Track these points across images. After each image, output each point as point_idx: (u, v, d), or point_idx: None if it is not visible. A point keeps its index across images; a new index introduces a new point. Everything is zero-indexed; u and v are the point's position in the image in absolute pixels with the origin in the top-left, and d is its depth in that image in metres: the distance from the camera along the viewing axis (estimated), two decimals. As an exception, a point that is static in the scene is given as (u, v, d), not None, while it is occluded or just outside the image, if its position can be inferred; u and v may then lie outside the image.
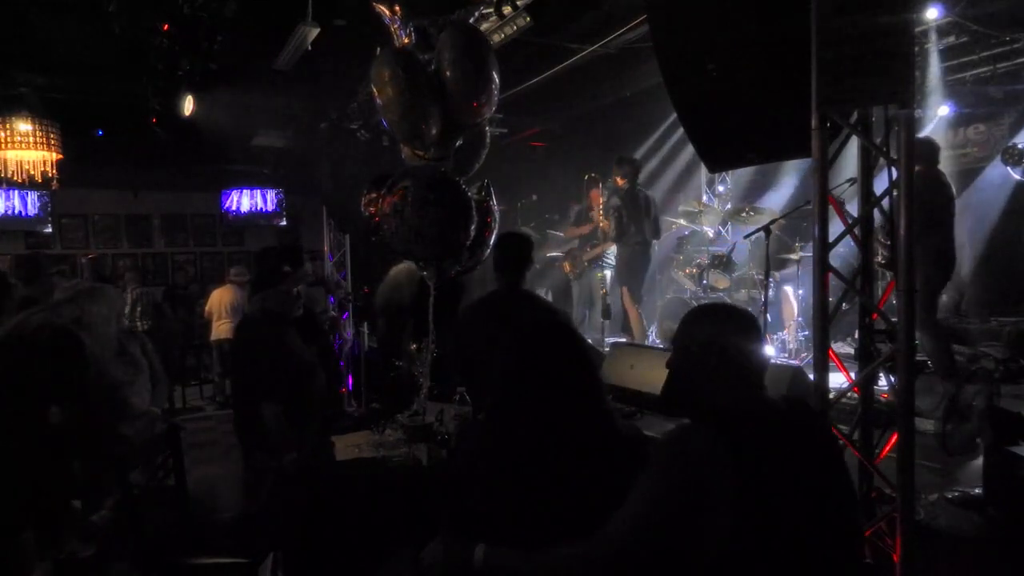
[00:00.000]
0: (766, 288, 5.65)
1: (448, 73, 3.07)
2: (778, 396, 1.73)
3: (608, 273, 7.43)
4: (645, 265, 7.09)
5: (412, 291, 5.34)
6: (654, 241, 7.16)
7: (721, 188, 8.75)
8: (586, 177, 7.50)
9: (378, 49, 3.31)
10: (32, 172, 6.75)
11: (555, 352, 1.85)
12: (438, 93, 3.09)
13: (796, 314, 6.90)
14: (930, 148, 5.04)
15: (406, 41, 3.30)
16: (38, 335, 2.88)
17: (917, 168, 4.83)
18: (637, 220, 6.84)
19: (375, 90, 3.18)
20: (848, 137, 2.96)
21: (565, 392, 1.79)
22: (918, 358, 4.43)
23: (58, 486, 2.97)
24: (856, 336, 3.38)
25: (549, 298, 8.36)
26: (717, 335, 1.68)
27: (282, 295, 3.80)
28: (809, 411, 1.81)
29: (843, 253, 4.40)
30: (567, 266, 8.13)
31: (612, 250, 7.27)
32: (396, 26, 3.28)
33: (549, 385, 1.79)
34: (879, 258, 4.24)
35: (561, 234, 8.94)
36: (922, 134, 6.75)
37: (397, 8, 3.25)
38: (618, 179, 6.90)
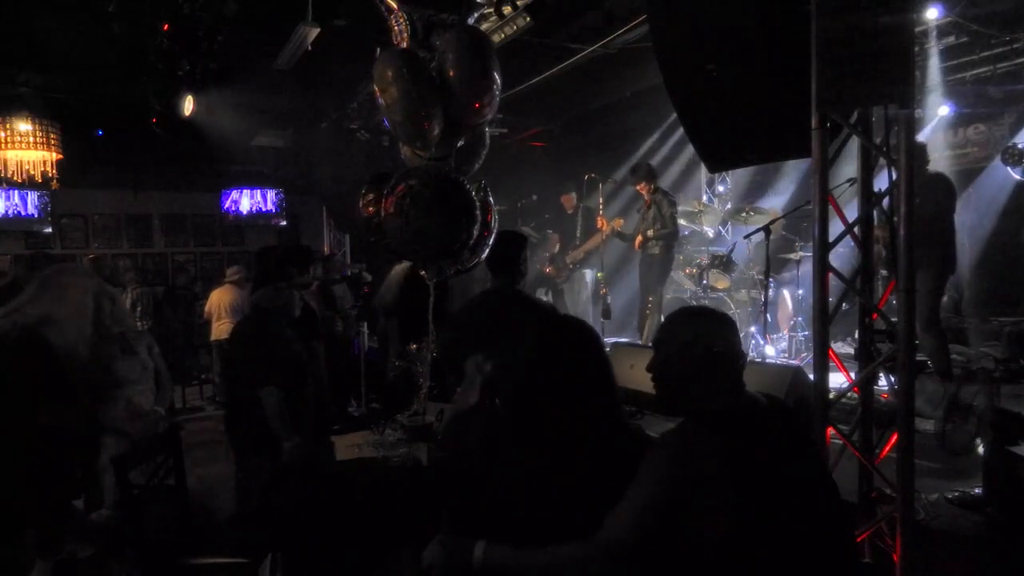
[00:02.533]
0: (766, 288, 5.66)
1: (451, 73, 3.07)
2: (760, 395, 1.74)
3: (590, 272, 7.45)
4: (672, 265, 7.06)
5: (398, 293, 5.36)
6: None
7: (721, 188, 8.75)
8: (586, 177, 7.50)
9: (378, 49, 3.30)
10: (32, 172, 6.75)
11: (580, 347, 1.84)
12: (441, 93, 3.09)
13: (791, 314, 6.92)
14: (920, 149, 5.05)
15: (406, 37, 3.29)
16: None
17: (923, 169, 4.90)
18: (673, 215, 6.83)
19: (377, 90, 3.17)
20: (848, 137, 2.96)
21: (584, 388, 1.79)
22: (918, 358, 4.44)
23: (56, 487, 2.97)
24: (856, 336, 3.38)
25: (548, 298, 8.38)
26: (700, 335, 1.71)
27: (273, 293, 3.76)
28: (787, 409, 1.83)
29: (843, 253, 4.41)
30: (552, 271, 8.18)
31: (597, 249, 7.28)
32: (395, 22, 3.27)
33: (571, 380, 1.78)
34: (880, 246, 4.23)
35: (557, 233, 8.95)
36: (922, 134, 6.78)
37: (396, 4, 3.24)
38: (642, 187, 6.86)
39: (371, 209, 3.36)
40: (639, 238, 6.88)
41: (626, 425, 1.89)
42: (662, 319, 6.73)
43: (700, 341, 1.69)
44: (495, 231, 3.53)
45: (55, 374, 2.92)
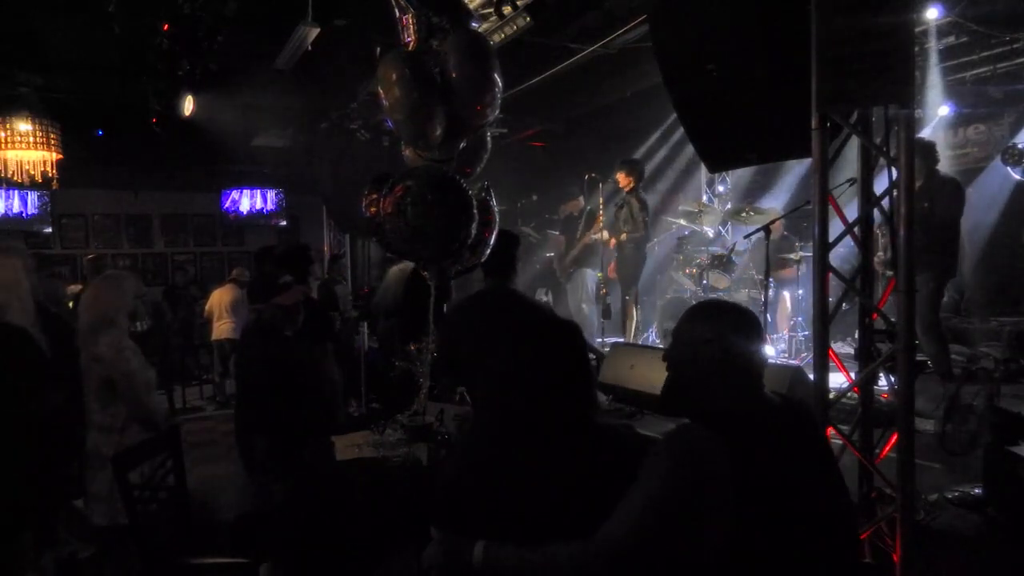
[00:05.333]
0: (766, 288, 5.66)
1: (453, 76, 3.08)
2: (774, 395, 1.73)
3: (591, 272, 7.55)
4: (644, 263, 7.15)
5: (398, 293, 5.33)
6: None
7: (721, 188, 8.75)
8: (586, 177, 7.52)
9: (378, 49, 3.31)
10: (32, 172, 6.75)
11: (564, 348, 1.83)
12: (443, 95, 3.10)
13: (791, 314, 6.93)
14: (932, 149, 5.07)
15: (414, 38, 3.29)
16: None
17: (934, 169, 4.92)
18: (644, 219, 6.89)
19: (381, 90, 3.18)
20: (848, 137, 2.96)
21: (566, 389, 1.78)
22: (918, 358, 4.44)
23: (55, 486, 2.97)
24: (856, 336, 3.38)
25: (549, 299, 8.40)
26: (720, 334, 1.67)
27: (276, 310, 3.57)
28: (804, 410, 1.82)
29: (843, 253, 4.40)
30: (560, 270, 8.27)
31: (598, 249, 7.36)
32: (406, 22, 3.25)
33: (555, 381, 1.78)
34: (880, 257, 4.25)
35: (556, 233, 8.97)
36: (922, 134, 6.78)
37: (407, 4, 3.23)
38: (624, 178, 6.92)
39: (373, 209, 3.36)
40: (612, 239, 7.05)
41: (606, 426, 1.88)
42: (638, 314, 6.87)
43: (719, 339, 1.65)
44: (496, 232, 3.54)
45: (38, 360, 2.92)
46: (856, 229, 2.88)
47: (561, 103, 8.76)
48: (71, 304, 5.45)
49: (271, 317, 3.54)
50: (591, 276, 7.74)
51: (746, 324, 1.70)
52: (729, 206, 8.48)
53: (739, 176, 8.68)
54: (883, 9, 2.42)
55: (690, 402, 1.71)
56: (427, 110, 3.06)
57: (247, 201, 11.40)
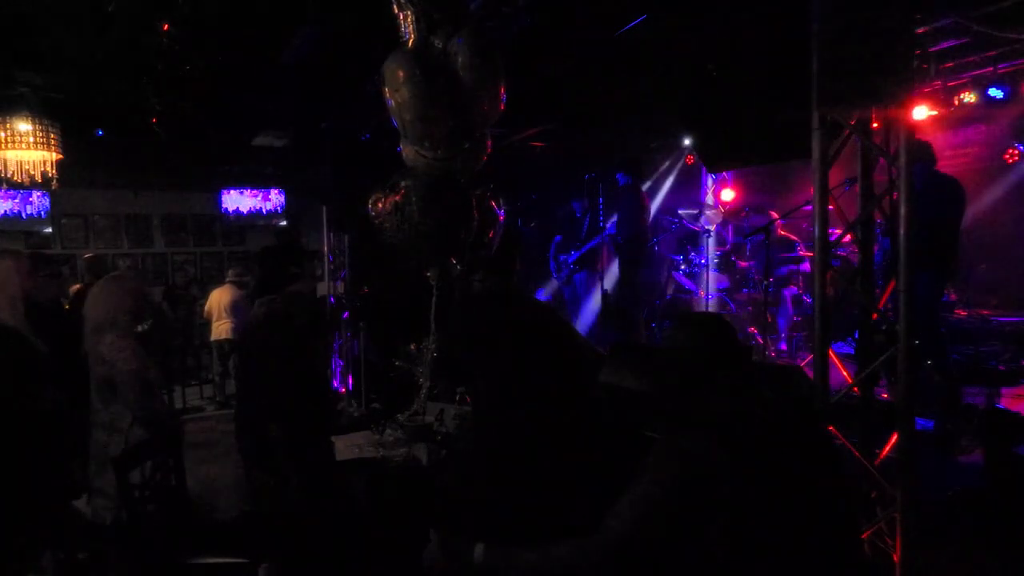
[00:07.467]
0: (766, 288, 5.66)
1: (462, 75, 3.08)
2: (774, 396, 1.74)
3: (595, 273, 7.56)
4: (643, 263, 7.15)
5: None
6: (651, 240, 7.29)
7: (721, 188, 8.75)
8: (586, 177, 7.52)
9: (373, 53, 3.30)
10: (32, 172, 6.74)
11: (563, 348, 1.84)
12: (451, 95, 3.10)
13: (791, 314, 6.94)
14: (929, 149, 5.07)
15: (413, 35, 3.28)
16: None
17: (933, 170, 4.91)
18: (641, 219, 6.90)
19: (388, 91, 3.16)
20: (848, 137, 2.96)
21: (565, 388, 1.79)
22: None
23: (55, 486, 2.97)
24: (856, 336, 3.38)
25: (548, 298, 8.39)
26: (702, 341, 1.72)
27: (288, 300, 3.62)
28: (805, 410, 1.83)
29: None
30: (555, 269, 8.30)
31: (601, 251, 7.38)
32: (406, 18, 3.23)
33: (548, 381, 1.78)
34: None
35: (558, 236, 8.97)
36: (921, 134, 6.77)
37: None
38: (624, 178, 6.94)
39: (380, 206, 3.37)
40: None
41: (606, 425, 1.89)
42: (638, 315, 6.90)
43: (703, 346, 1.71)
44: (500, 232, 3.53)
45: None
46: (856, 229, 2.88)
47: (561, 103, 8.75)
48: (67, 306, 5.45)
49: (285, 307, 3.55)
50: (594, 277, 7.76)
51: (725, 329, 1.78)
52: (729, 206, 8.48)
53: (739, 176, 8.68)
54: (883, 9, 2.42)
55: (689, 405, 1.72)
56: (436, 110, 3.06)
57: (247, 201, 11.37)
